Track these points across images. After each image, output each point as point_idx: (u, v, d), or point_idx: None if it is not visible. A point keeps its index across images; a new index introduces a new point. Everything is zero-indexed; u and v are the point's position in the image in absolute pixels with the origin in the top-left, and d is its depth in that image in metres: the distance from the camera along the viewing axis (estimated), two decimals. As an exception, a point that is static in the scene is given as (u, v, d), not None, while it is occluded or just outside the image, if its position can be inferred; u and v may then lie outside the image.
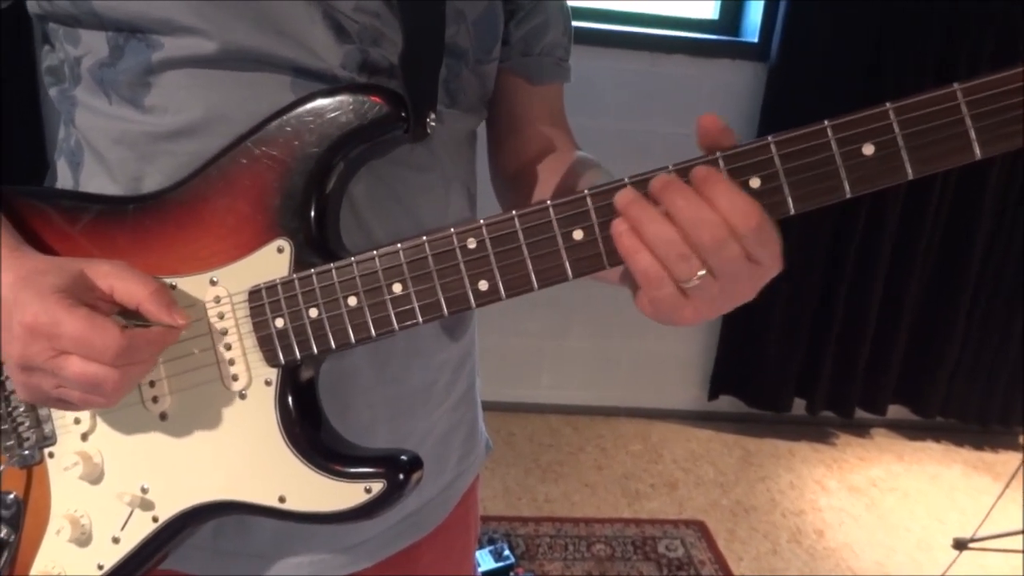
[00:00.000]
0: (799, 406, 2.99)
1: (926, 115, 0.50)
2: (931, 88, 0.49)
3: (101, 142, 0.67)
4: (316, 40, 0.63)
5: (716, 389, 2.97)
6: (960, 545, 2.37)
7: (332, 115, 0.60)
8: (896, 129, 0.50)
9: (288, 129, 0.60)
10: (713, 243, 0.51)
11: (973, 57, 2.56)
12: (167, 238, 0.63)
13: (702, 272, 0.52)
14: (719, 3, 2.79)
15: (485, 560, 2.14)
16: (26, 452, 0.66)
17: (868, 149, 0.51)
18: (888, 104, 0.50)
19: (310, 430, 0.62)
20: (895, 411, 3.04)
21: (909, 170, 0.50)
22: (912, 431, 3.08)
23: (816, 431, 3.02)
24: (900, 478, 2.80)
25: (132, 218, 0.63)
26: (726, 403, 3.01)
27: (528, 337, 2.88)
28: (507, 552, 2.18)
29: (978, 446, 3.03)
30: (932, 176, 2.73)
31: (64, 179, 0.72)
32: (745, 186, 0.52)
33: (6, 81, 2.27)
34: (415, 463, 0.62)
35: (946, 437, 3.06)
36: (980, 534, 2.35)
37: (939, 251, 2.81)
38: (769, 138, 0.52)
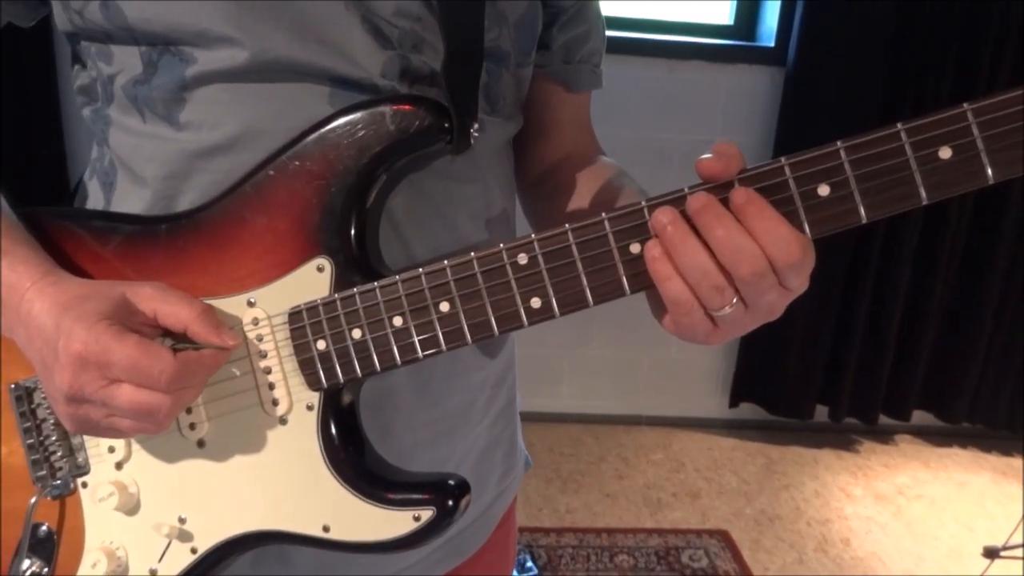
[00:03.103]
0: (822, 413, 2.95)
1: (1008, 115, 0.47)
2: (1013, 87, 0.47)
3: (135, 161, 0.65)
4: (355, 47, 0.61)
5: (737, 397, 2.94)
6: (991, 554, 2.33)
7: (372, 128, 0.58)
8: (975, 131, 0.47)
9: (326, 143, 0.58)
10: (751, 276, 0.50)
11: (995, 59, 2.53)
12: (202, 258, 0.61)
13: (735, 301, 0.51)
14: (734, 8, 2.78)
15: (508, 573, 2.12)
16: (59, 482, 0.65)
17: (945, 153, 0.48)
18: (966, 105, 0.47)
19: (354, 456, 0.60)
20: (920, 417, 3.00)
21: (990, 174, 0.48)
22: (938, 437, 3.04)
23: (840, 438, 2.99)
24: (927, 485, 2.75)
25: (165, 238, 0.62)
26: (748, 411, 2.97)
27: (548, 346, 2.86)
28: (530, 563, 2.17)
29: (1006, 452, 2.97)
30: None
31: (96, 200, 0.71)
32: (813, 194, 0.50)
33: (29, 100, 2.28)
34: (463, 488, 0.60)
35: (973, 443, 3.01)
36: (1012, 542, 2.31)
37: (964, 252, 2.77)
38: (839, 143, 0.50)
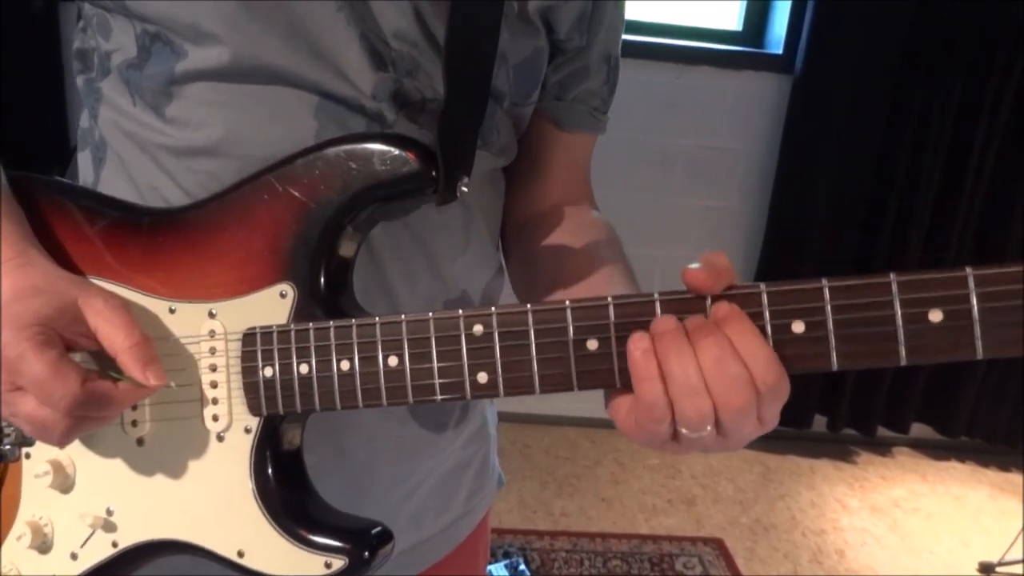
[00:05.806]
0: (820, 423, 2.93)
1: (1012, 291, 0.43)
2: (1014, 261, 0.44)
3: (122, 144, 0.66)
4: (350, 64, 0.60)
5: (736, 404, 2.92)
6: (987, 569, 2.32)
7: (361, 162, 0.57)
8: (973, 300, 0.44)
9: (315, 170, 0.58)
10: (745, 406, 0.46)
11: (1004, 72, 2.50)
12: (176, 258, 0.61)
13: (709, 428, 0.47)
14: (743, 14, 2.77)
15: (500, 574, 2.13)
16: (6, 447, 0.64)
17: (936, 316, 0.45)
18: (969, 269, 0.44)
19: (282, 487, 0.59)
20: (918, 430, 2.98)
21: (979, 348, 0.44)
22: (936, 451, 3.01)
23: (837, 449, 2.97)
24: (924, 499, 2.74)
25: (146, 231, 0.61)
26: (746, 418, 2.96)
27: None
28: (522, 567, 2.17)
29: (1005, 467, 2.94)
30: (962, 180, 2.67)
31: (86, 173, 0.71)
32: (786, 329, 0.47)
33: (31, 65, 2.29)
34: (384, 538, 0.58)
35: (971, 457, 2.99)
36: (1008, 558, 2.29)
37: (967, 263, 2.73)
38: (824, 281, 0.47)
